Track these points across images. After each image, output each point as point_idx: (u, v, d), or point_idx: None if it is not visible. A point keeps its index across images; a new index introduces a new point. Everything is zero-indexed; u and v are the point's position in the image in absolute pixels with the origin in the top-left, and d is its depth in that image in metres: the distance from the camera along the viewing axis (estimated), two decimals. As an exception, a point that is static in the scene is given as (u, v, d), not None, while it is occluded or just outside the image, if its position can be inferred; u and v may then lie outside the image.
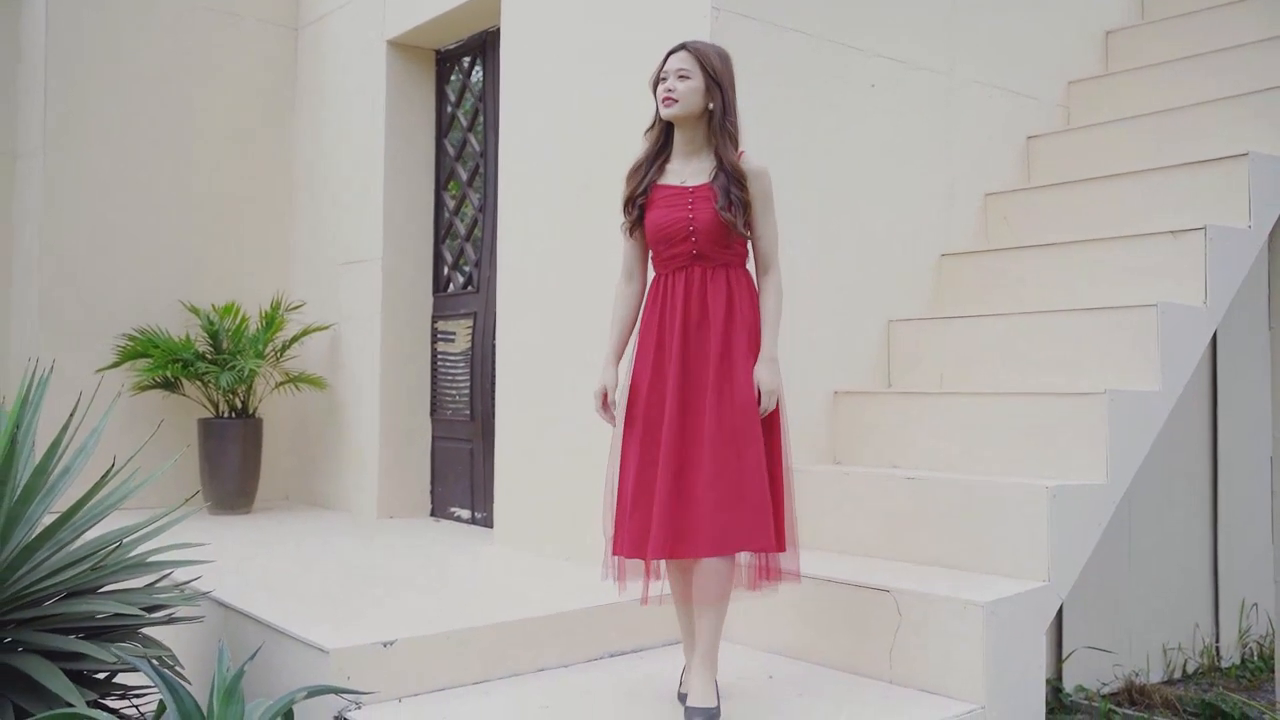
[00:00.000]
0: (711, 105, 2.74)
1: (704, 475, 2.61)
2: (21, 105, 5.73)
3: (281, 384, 5.62)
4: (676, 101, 2.72)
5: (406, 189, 5.48)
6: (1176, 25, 4.98)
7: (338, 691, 2.58)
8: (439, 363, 5.48)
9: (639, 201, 2.80)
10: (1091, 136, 4.61)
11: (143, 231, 5.66)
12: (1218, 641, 5.35)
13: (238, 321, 5.56)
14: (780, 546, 2.73)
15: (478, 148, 5.32)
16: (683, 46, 2.77)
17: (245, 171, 6.01)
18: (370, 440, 5.40)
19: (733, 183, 2.73)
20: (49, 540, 2.91)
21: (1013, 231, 4.44)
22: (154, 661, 2.67)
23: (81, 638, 2.87)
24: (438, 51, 5.56)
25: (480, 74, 5.32)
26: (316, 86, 6.01)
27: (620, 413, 2.82)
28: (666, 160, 2.83)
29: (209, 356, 5.45)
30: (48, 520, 3.12)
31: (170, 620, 3.05)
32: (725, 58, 2.79)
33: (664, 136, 2.83)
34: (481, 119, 5.30)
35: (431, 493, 5.48)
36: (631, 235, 2.86)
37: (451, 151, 5.51)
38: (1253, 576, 5.42)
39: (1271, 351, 4.10)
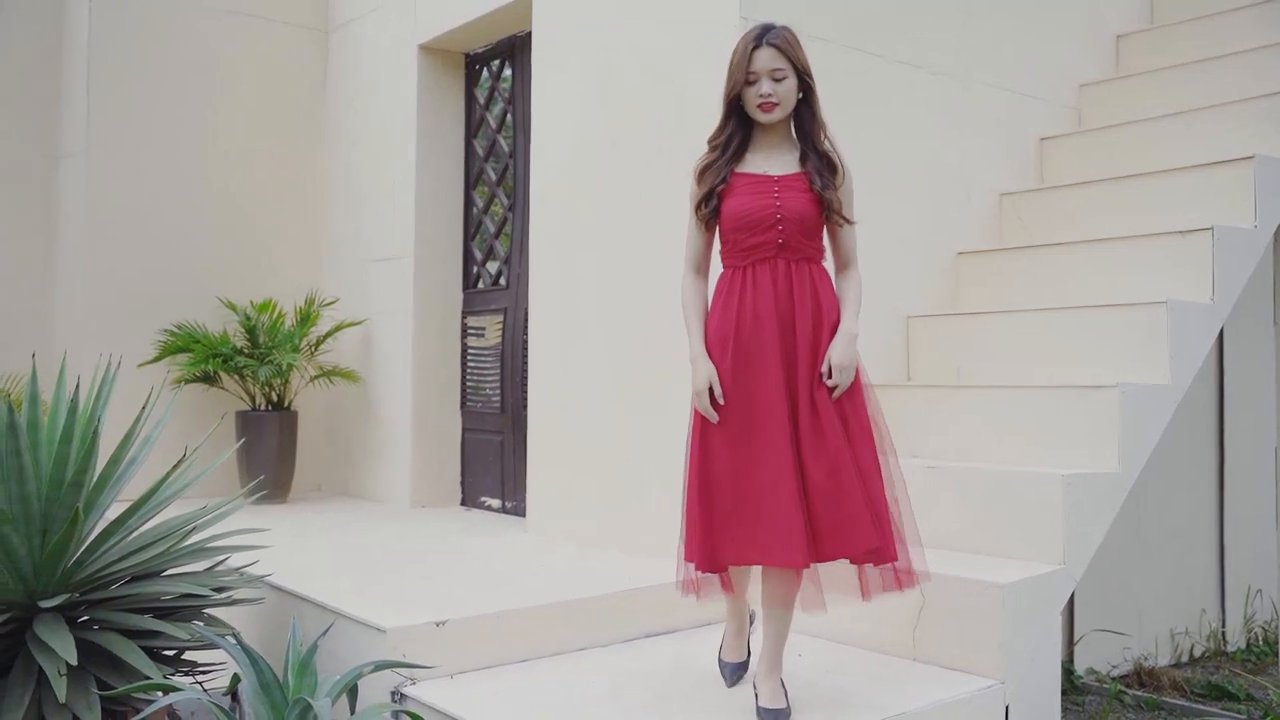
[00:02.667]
0: (805, 96, 2.69)
1: (815, 480, 2.54)
2: (64, 108, 5.92)
3: (316, 378, 5.80)
4: (777, 105, 2.64)
5: (437, 188, 5.66)
6: (1186, 30, 5.12)
7: (401, 666, 2.76)
8: (469, 357, 5.65)
9: (719, 192, 2.69)
10: (1102, 138, 4.75)
11: (180, 230, 5.85)
12: (1224, 626, 5.50)
13: (274, 317, 5.74)
14: (893, 555, 2.62)
15: (506, 148, 5.49)
16: (765, 41, 2.64)
17: (278, 171, 6.19)
18: (403, 432, 5.58)
19: (825, 167, 2.69)
20: (122, 526, 3.09)
21: (1026, 231, 4.59)
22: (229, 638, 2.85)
23: (154, 618, 3.06)
24: (467, 55, 5.73)
25: (509, 77, 5.48)
26: (347, 88, 6.19)
27: (689, 411, 2.75)
28: (744, 153, 2.73)
29: (246, 351, 5.63)
30: (115, 507, 3.31)
31: (233, 602, 3.23)
32: (797, 38, 2.70)
33: (742, 132, 2.73)
34: (510, 120, 5.46)
35: (462, 483, 5.66)
36: (708, 229, 2.76)
37: (480, 152, 5.68)
38: (1257, 564, 5.59)
39: (1277, 347, 4.25)
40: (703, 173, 2.74)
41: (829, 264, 2.82)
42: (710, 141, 2.76)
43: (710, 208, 2.70)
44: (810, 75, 2.68)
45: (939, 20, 4.50)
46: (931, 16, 4.47)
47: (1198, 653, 5.34)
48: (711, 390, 2.63)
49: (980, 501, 3.41)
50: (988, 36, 4.70)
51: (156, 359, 5.49)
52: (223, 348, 5.52)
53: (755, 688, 2.74)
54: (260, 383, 5.53)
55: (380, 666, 2.67)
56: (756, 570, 2.84)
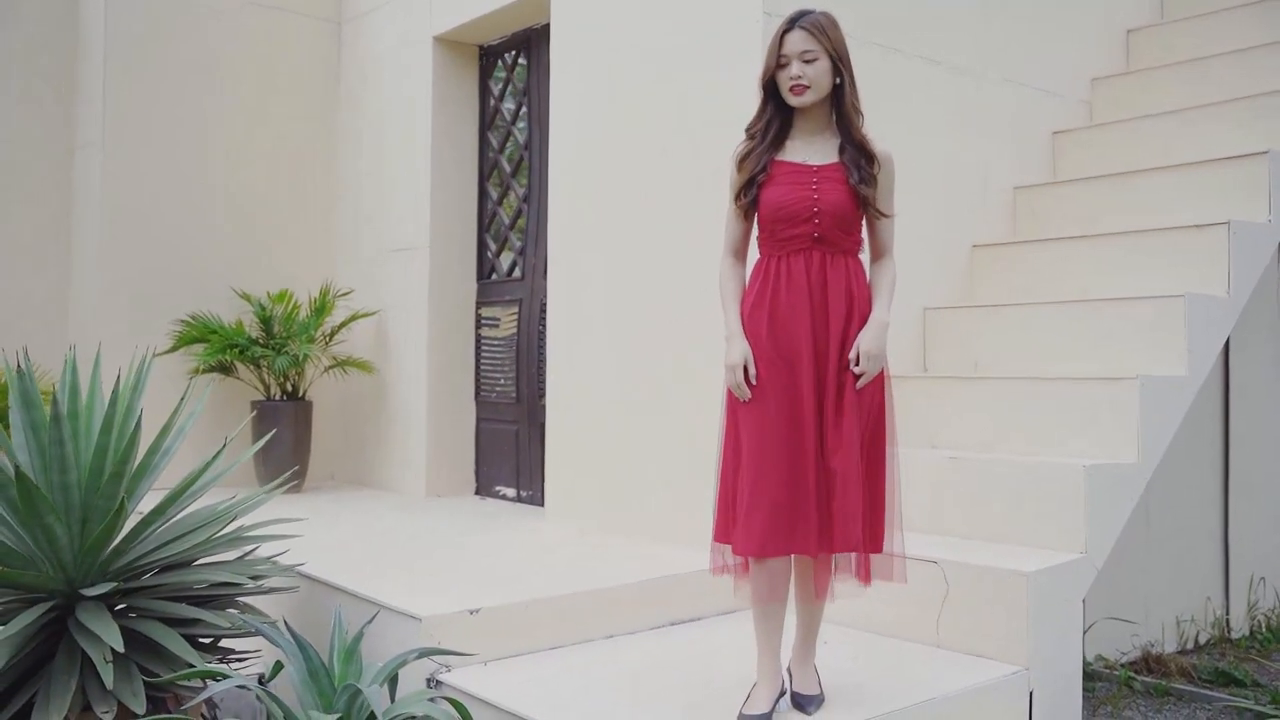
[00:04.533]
0: (838, 81, 2.62)
1: (832, 471, 2.56)
2: (80, 100, 5.93)
3: (330, 368, 5.84)
4: (808, 88, 2.59)
5: (451, 180, 5.69)
6: (1196, 24, 5.17)
7: (445, 654, 2.80)
8: (483, 347, 5.69)
9: (759, 181, 2.66)
10: (1115, 132, 4.80)
11: (193, 221, 5.88)
12: (1228, 614, 5.59)
13: (289, 308, 5.77)
14: (879, 546, 2.68)
15: (521, 140, 5.52)
16: (798, 25, 2.60)
17: (292, 162, 6.21)
18: (418, 422, 5.63)
19: (862, 158, 2.65)
20: (161, 514, 3.13)
21: (1040, 224, 4.64)
22: (270, 626, 2.89)
23: (188, 606, 3.10)
24: (481, 47, 5.75)
25: (524, 69, 5.51)
26: (360, 80, 6.20)
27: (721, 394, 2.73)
28: (784, 141, 2.69)
29: (262, 341, 5.67)
30: (149, 496, 3.35)
31: (267, 590, 3.27)
32: (837, 24, 2.64)
33: (781, 120, 2.69)
34: (525, 112, 5.50)
35: (476, 472, 5.71)
36: (747, 217, 2.73)
37: (495, 143, 5.71)
38: (1261, 552, 5.67)
39: (1287, 339, 4.32)
40: (742, 161, 2.71)
41: (865, 255, 2.80)
42: (748, 130, 2.73)
43: (750, 197, 2.67)
44: (844, 60, 2.62)
45: (956, 16, 4.54)
46: (948, 12, 4.51)
47: (1203, 640, 5.41)
48: (746, 369, 2.61)
49: (1002, 491, 3.46)
50: (1002, 31, 4.74)
51: (173, 349, 5.52)
52: (239, 338, 5.55)
53: (789, 674, 2.79)
54: (276, 373, 5.56)
55: (424, 654, 2.72)
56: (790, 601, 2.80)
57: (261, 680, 3.27)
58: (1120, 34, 5.38)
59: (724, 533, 2.69)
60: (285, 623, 2.75)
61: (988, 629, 3.11)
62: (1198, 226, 3.88)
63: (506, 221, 5.63)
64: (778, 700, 2.69)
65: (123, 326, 5.53)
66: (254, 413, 4.98)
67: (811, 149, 2.67)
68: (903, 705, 2.75)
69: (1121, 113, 4.95)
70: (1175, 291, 3.71)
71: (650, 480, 4.17)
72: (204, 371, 5.53)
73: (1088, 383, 3.58)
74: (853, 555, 2.67)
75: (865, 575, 2.68)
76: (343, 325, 5.84)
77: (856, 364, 2.59)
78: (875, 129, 4.17)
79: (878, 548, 2.67)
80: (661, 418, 4.12)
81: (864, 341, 2.60)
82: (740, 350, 2.63)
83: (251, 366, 5.65)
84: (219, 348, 5.47)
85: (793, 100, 2.62)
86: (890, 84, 4.23)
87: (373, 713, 2.63)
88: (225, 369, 5.63)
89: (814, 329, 2.60)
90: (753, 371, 2.61)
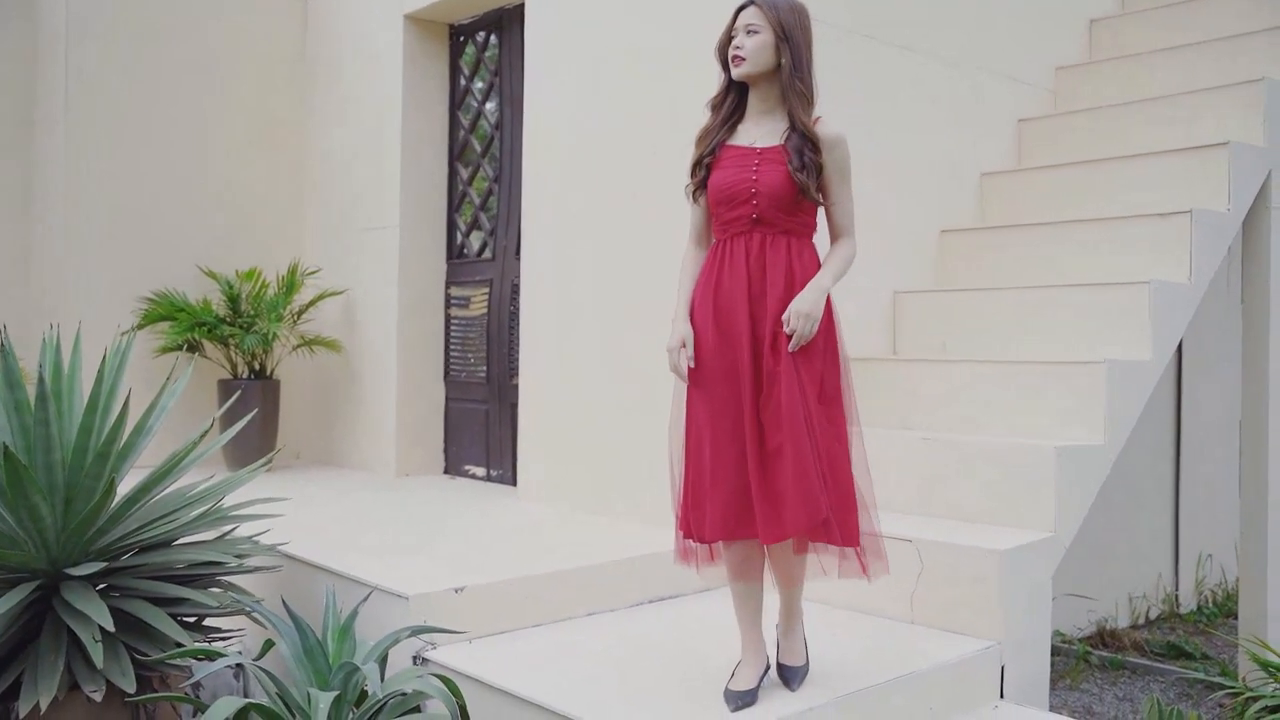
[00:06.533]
0: (783, 61, 2.62)
1: (783, 459, 2.51)
2: (41, 74, 5.81)
3: (298, 347, 5.80)
4: (745, 59, 2.60)
5: (422, 159, 5.66)
6: (1156, 16, 5.27)
7: (437, 631, 2.83)
8: (452, 327, 5.69)
9: (706, 163, 2.69)
10: (1078, 121, 4.89)
11: (160, 199, 5.80)
12: (1177, 590, 5.78)
13: (257, 286, 5.73)
14: (854, 538, 2.62)
15: (492, 120, 5.51)
16: (751, 1, 2.64)
17: (261, 139, 6.14)
18: (387, 401, 5.61)
19: (806, 144, 2.61)
20: (146, 494, 3.13)
21: (1007, 210, 4.73)
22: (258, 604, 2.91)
23: (171, 585, 3.10)
24: (451, 25, 5.72)
25: (496, 49, 5.50)
26: (331, 57, 6.14)
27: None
28: (739, 121, 2.71)
29: (229, 320, 5.62)
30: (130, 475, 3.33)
31: (250, 569, 3.27)
32: (798, 10, 2.65)
33: (738, 97, 2.71)
34: (497, 92, 5.49)
35: (445, 451, 5.72)
36: (696, 200, 2.74)
37: (465, 123, 5.69)
38: (1208, 530, 5.86)
39: (1243, 325, 4.45)
40: (699, 139, 2.75)
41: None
42: (710, 102, 2.76)
43: (698, 178, 2.71)
44: (791, 41, 2.60)
45: (928, 3, 4.60)
46: (922, 1, 4.57)
47: (1154, 615, 5.60)
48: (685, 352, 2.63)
49: (974, 471, 3.55)
50: (971, 19, 4.81)
51: (139, 327, 5.46)
52: (206, 316, 5.50)
53: (777, 645, 2.85)
54: (244, 351, 5.52)
55: (417, 631, 2.75)
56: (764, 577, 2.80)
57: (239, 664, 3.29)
58: (1084, 24, 5.48)
59: (686, 522, 2.70)
60: (283, 601, 2.76)
61: (961, 605, 3.20)
62: (1161, 215, 3.99)
63: (477, 201, 5.62)
64: (763, 676, 2.72)
65: (90, 305, 5.45)
66: (238, 393, 4.92)
67: (760, 130, 2.68)
68: (881, 680, 2.83)
69: (1085, 101, 5.05)
70: (1139, 278, 3.82)
71: (637, 469, 4.17)
72: (170, 350, 5.48)
73: (1055, 366, 3.68)
74: (830, 549, 2.64)
75: (842, 568, 2.68)
76: (311, 304, 5.80)
77: (789, 324, 2.55)
78: (847, 115, 4.20)
79: (851, 540, 2.62)
80: (651, 416, 4.10)
81: (797, 300, 2.56)
82: (679, 333, 2.67)
83: (219, 345, 5.60)
84: (186, 326, 5.42)
85: (733, 72, 2.65)
86: (862, 71, 4.29)
87: (364, 690, 2.66)
88: (192, 347, 5.58)
89: (752, 310, 2.61)
90: (689, 354, 2.64)
